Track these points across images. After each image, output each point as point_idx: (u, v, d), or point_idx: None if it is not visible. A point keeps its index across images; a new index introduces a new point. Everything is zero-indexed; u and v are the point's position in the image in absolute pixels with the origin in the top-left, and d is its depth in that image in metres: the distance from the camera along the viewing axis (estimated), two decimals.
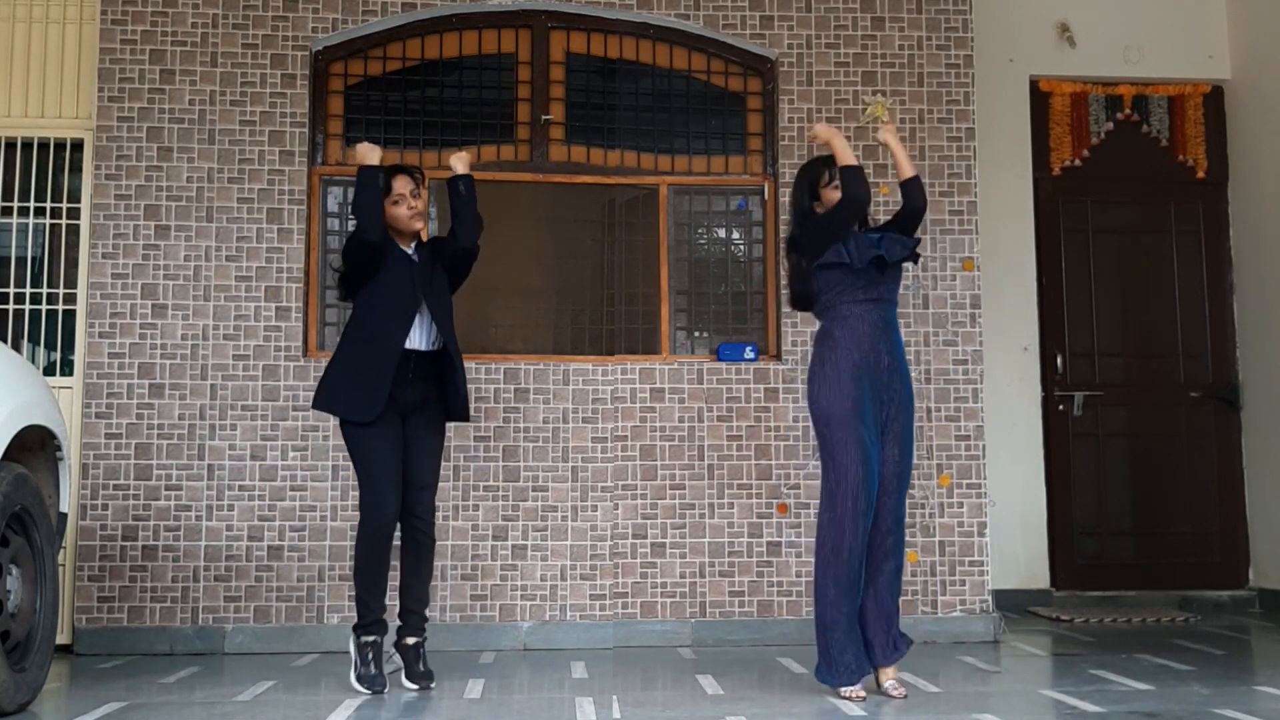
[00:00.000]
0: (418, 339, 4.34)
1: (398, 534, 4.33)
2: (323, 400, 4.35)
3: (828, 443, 4.05)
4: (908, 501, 5.42)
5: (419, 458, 4.37)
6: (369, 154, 4.33)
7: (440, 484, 5.33)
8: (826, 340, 4.14)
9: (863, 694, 3.95)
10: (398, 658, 4.36)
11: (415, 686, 4.25)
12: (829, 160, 4.25)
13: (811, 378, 4.15)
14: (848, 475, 3.98)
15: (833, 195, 4.20)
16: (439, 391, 4.40)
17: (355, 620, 4.31)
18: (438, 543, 5.33)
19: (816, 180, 4.27)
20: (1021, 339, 6.76)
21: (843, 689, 3.98)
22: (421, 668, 4.30)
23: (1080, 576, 6.75)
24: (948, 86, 5.83)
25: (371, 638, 4.24)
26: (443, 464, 5.35)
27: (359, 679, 4.21)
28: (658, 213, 5.80)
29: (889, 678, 4.04)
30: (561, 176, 5.80)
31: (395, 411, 4.29)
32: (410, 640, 4.32)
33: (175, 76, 5.53)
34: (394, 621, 4.39)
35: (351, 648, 4.28)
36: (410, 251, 4.42)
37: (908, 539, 5.46)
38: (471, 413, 4.66)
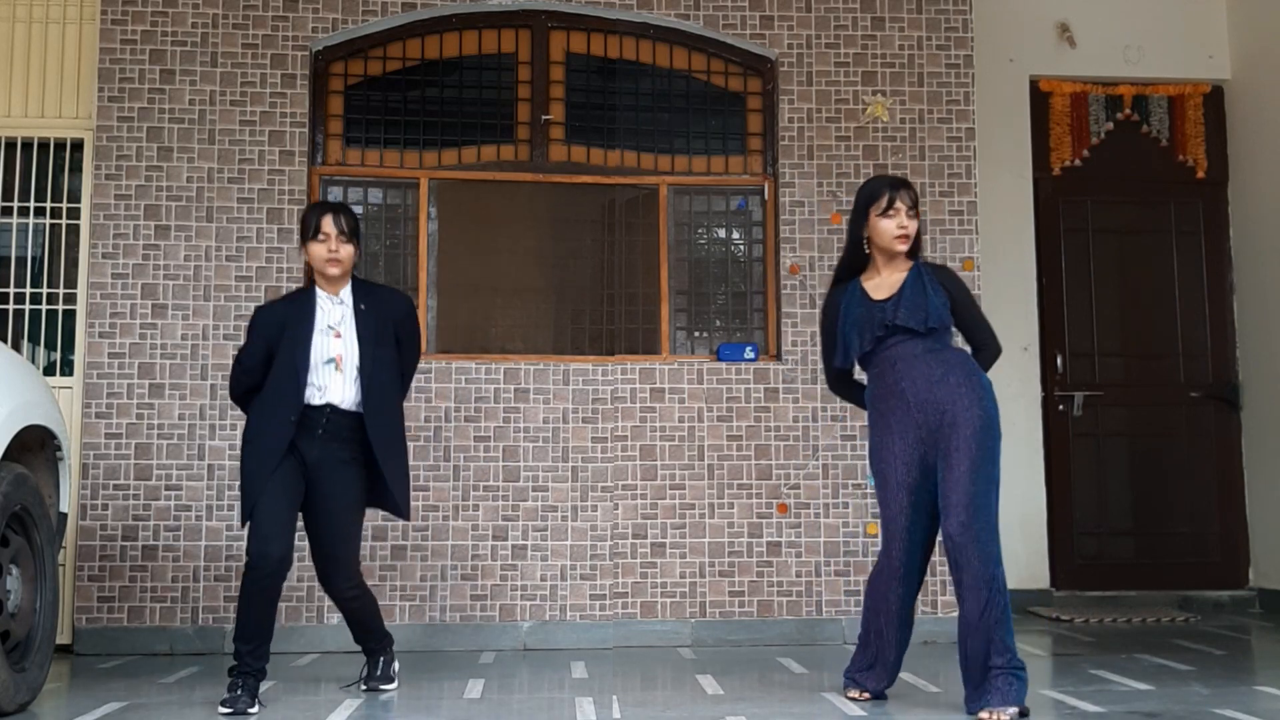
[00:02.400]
0: (337, 392, 4.03)
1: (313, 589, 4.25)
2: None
3: (878, 492, 3.91)
4: None
5: (328, 517, 4.04)
6: None
7: (440, 484, 5.37)
8: (868, 393, 3.96)
9: (865, 695, 3.94)
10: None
11: (363, 688, 4.21)
12: (894, 183, 3.90)
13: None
14: (890, 526, 3.85)
15: (884, 225, 3.85)
16: (365, 459, 4.08)
17: (232, 664, 3.96)
18: (438, 543, 5.34)
19: (871, 202, 3.88)
20: (1021, 339, 6.76)
21: (847, 690, 3.98)
22: (379, 672, 4.24)
23: (1080, 576, 6.74)
24: (948, 86, 5.82)
25: (248, 678, 3.90)
26: (443, 464, 5.39)
27: (223, 702, 3.81)
28: (658, 213, 5.80)
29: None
30: (561, 176, 5.80)
31: (296, 460, 3.99)
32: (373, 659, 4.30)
33: (175, 76, 5.53)
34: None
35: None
36: (334, 296, 4.12)
37: None
38: (408, 512, 4.21)
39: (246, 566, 3.90)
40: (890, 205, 3.85)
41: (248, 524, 3.94)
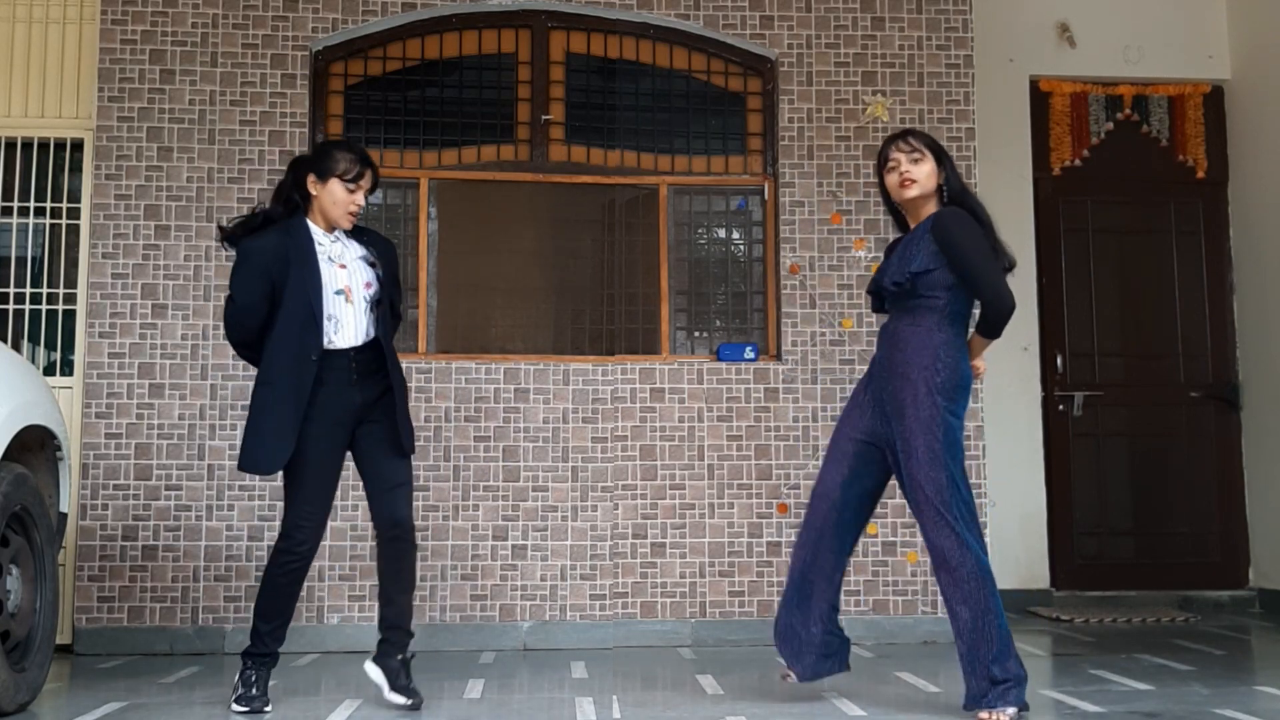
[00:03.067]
0: (350, 329, 3.88)
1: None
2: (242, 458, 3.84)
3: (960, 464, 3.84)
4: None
5: (385, 457, 3.90)
6: None
7: (440, 484, 5.37)
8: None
9: (789, 674, 3.94)
10: (377, 675, 3.88)
11: (402, 701, 3.83)
12: (892, 136, 3.87)
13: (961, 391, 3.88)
14: (819, 478, 3.91)
15: (889, 180, 3.81)
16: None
17: (248, 645, 3.87)
18: (437, 543, 5.34)
19: (879, 166, 3.88)
20: (1021, 339, 6.75)
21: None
22: (407, 682, 3.86)
23: (1080, 576, 6.74)
24: (948, 86, 5.82)
25: (260, 667, 3.86)
26: (443, 464, 5.40)
27: (238, 699, 3.80)
28: (658, 213, 5.80)
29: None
30: (561, 176, 5.80)
31: (337, 420, 3.84)
32: (398, 658, 3.90)
33: (175, 76, 5.53)
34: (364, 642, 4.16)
35: (238, 671, 3.88)
36: (327, 232, 3.95)
37: (908, 539, 5.48)
38: (412, 445, 3.99)
39: (280, 550, 3.81)
40: (887, 160, 3.82)
41: (287, 503, 3.81)
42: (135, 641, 5.19)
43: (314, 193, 3.94)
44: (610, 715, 3.75)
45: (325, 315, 3.83)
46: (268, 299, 3.85)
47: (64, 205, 5.57)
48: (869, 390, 3.86)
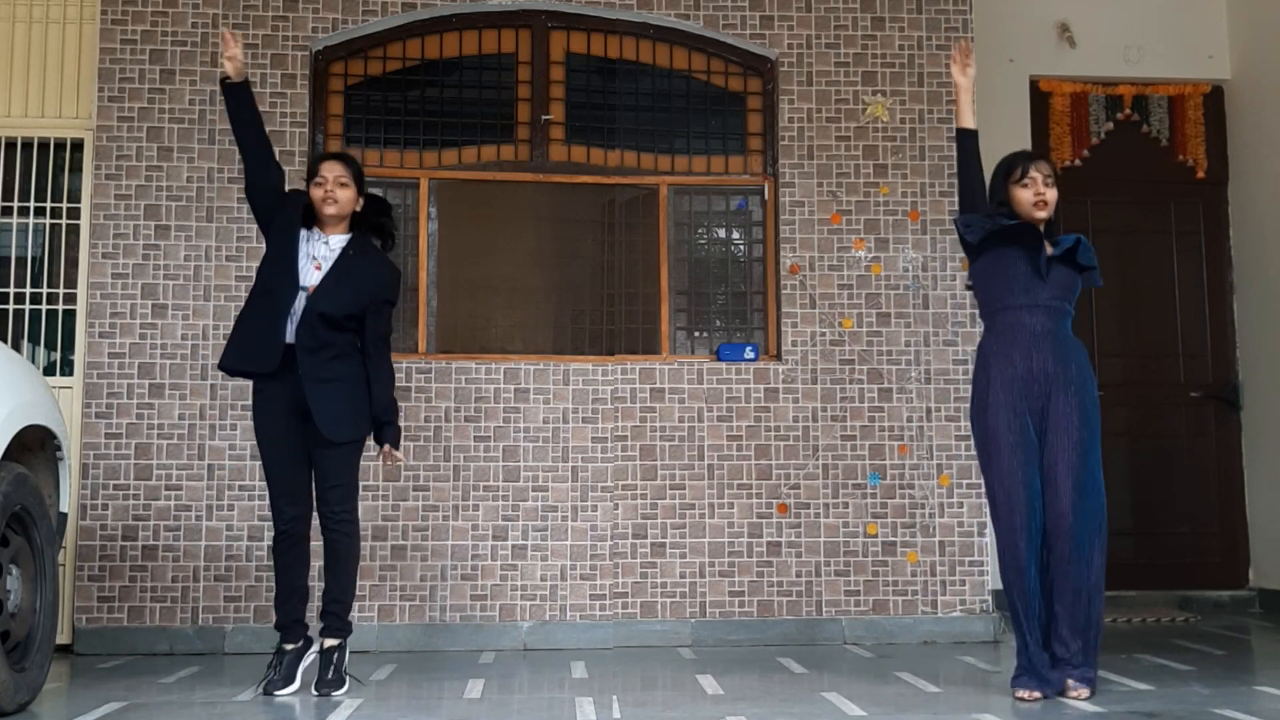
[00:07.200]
0: (290, 332, 4.12)
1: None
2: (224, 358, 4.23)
3: (981, 462, 3.96)
4: (908, 500, 5.46)
5: (319, 456, 4.16)
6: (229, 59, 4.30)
7: (440, 484, 5.38)
8: (981, 352, 4.01)
9: (1036, 695, 3.87)
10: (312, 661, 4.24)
11: (315, 694, 4.09)
12: (1028, 155, 4.13)
13: (972, 392, 4.04)
14: (1001, 497, 3.86)
15: (1020, 194, 4.01)
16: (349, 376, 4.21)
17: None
18: (437, 543, 5.34)
19: (1007, 173, 4.07)
20: None
21: (1016, 690, 3.92)
22: (330, 675, 4.12)
23: None
24: (948, 86, 5.82)
25: (281, 643, 4.21)
26: (443, 464, 5.40)
27: (261, 680, 4.18)
28: (658, 213, 5.80)
29: (1070, 687, 3.87)
30: (561, 176, 5.80)
31: (293, 413, 4.13)
32: (328, 642, 4.17)
33: (175, 76, 5.53)
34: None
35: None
36: (324, 236, 4.24)
37: (908, 539, 5.49)
38: (341, 437, 4.14)
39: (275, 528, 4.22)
40: (1024, 174, 4.02)
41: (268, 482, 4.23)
42: (135, 641, 5.20)
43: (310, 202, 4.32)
44: (610, 715, 3.75)
45: (298, 291, 4.14)
46: (270, 191, 4.28)
47: (64, 205, 5.57)
48: (1015, 398, 3.88)
